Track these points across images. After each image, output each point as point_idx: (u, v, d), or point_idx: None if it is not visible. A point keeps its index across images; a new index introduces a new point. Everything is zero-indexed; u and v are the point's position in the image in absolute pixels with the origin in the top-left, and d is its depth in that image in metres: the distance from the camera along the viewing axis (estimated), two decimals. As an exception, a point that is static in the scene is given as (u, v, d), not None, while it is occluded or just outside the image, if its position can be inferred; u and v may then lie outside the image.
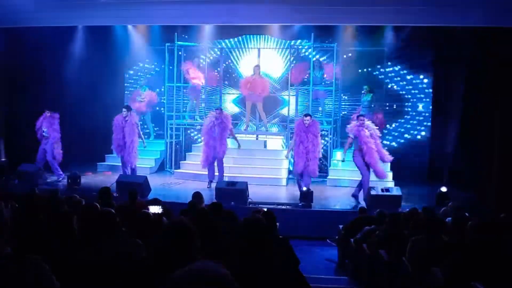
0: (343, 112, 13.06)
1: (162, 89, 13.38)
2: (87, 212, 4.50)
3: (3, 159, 11.75)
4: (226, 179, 10.77)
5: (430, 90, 12.67)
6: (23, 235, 3.24)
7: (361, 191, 9.98)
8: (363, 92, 12.23)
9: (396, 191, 9.49)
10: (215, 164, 10.99)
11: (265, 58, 13.20)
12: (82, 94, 12.63)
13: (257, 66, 12.68)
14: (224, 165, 11.09)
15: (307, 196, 9.45)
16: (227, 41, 13.27)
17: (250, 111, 12.92)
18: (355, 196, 10.11)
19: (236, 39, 13.24)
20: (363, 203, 9.57)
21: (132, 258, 3.46)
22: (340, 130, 12.91)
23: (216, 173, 11.00)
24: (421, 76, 12.77)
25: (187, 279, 1.50)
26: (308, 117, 10.22)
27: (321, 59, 12.74)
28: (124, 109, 11.06)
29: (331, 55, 12.42)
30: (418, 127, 12.89)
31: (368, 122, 10.18)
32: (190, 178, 11.89)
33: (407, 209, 7.02)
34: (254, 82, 12.43)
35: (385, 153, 10.09)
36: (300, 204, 9.42)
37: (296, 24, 12.16)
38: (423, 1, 9.99)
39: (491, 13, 9.70)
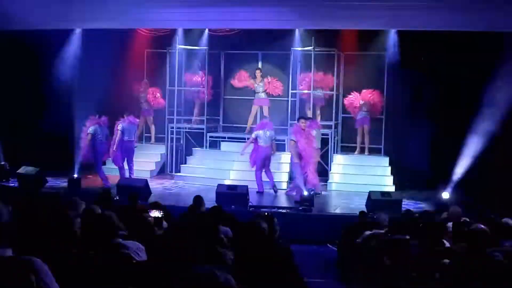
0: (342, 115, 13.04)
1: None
2: (87, 215, 4.50)
3: (2, 162, 11.75)
4: (227, 182, 10.78)
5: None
6: (23, 237, 3.24)
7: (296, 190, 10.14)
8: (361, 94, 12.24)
9: (397, 196, 9.49)
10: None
11: (267, 61, 13.26)
12: (84, 98, 12.63)
13: (259, 69, 12.79)
14: (234, 169, 11.40)
15: (307, 200, 9.44)
16: (228, 44, 13.27)
17: (254, 115, 12.98)
18: (297, 199, 10.12)
19: (237, 42, 13.24)
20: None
21: (132, 262, 3.46)
22: (341, 134, 12.94)
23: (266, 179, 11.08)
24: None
25: (189, 283, 1.50)
26: (302, 120, 10.47)
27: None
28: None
29: (331, 60, 12.41)
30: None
31: (310, 129, 10.49)
32: (190, 182, 11.90)
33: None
34: (271, 84, 12.63)
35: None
36: (301, 208, 9.41)
37: (297, 28, 12.18)
38: (424, 6, 9.99)
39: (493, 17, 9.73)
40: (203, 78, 12.91)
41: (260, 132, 10.88)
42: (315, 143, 10.47)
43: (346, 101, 12.40)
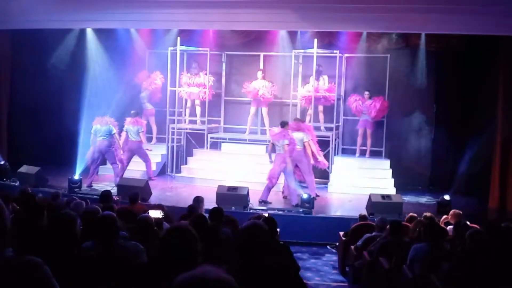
0: (344, 117, 13.01)
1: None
2: (88, 215, 4.50)
3: (2, 162, 11.74)
4: (228, 184, 10.72)
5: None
6: (24, 237, 3.24)
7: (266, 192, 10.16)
8: (364, 97, 12.21)
9: (397, 198, 9.48)
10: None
11: (268, 63, 13.26)
12: (85, 98, 12.64)
13: (261, 70, 12.79)
14: (237, 172, 11.47)
15: (308, 202, 9.43)
16: (230, 45, 13.26)
17: (253, 115, 12.96)
18: (264, 201, 10.11)
19: (239, 44, 13.23)
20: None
21: (132, 263, 3.46)
22: (342, 136, 12.92)
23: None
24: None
25: (190, 284, 1.50)
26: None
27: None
28: None
29: (333, 61, 12.40)
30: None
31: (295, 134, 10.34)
32: (191, 182, 11.90)
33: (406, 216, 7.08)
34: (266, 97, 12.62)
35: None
36: (301, 210, 9.41)
37: (299, 30, 12.18)
38: (426, 9, 10.00)
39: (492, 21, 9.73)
40: (205, 79, 12.90)
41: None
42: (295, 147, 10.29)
43: (350, 103, 12.36)
